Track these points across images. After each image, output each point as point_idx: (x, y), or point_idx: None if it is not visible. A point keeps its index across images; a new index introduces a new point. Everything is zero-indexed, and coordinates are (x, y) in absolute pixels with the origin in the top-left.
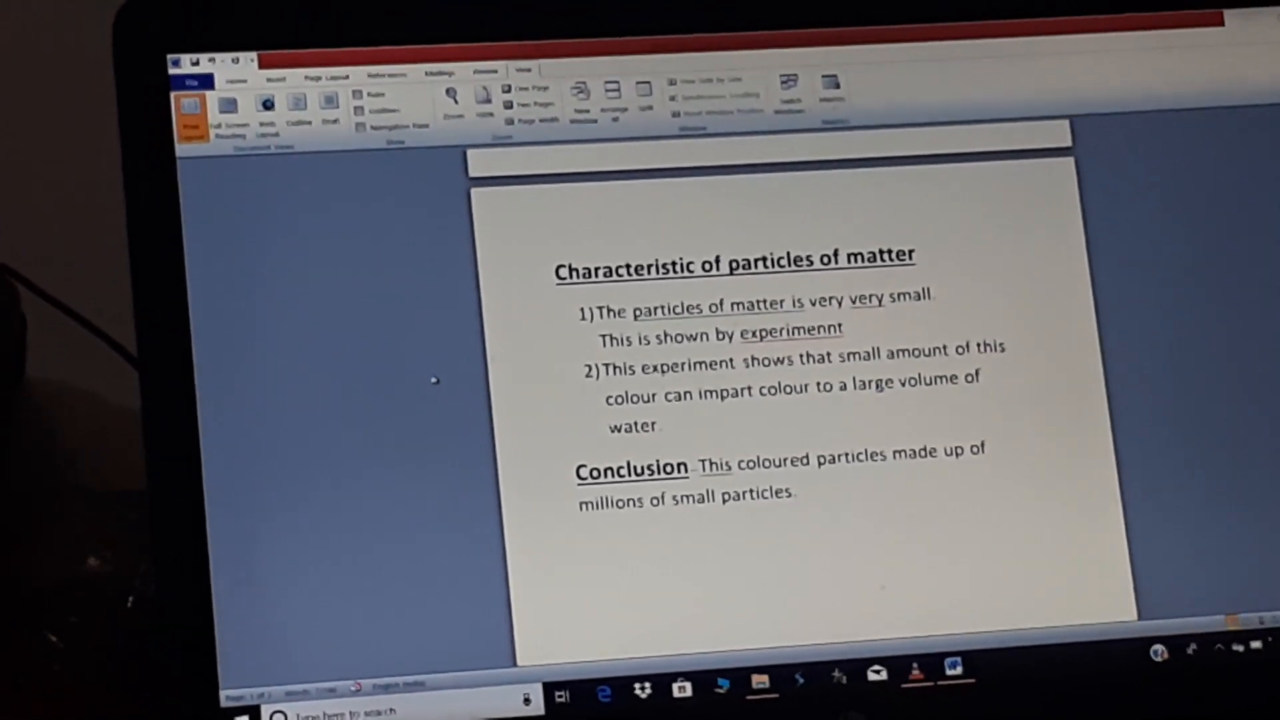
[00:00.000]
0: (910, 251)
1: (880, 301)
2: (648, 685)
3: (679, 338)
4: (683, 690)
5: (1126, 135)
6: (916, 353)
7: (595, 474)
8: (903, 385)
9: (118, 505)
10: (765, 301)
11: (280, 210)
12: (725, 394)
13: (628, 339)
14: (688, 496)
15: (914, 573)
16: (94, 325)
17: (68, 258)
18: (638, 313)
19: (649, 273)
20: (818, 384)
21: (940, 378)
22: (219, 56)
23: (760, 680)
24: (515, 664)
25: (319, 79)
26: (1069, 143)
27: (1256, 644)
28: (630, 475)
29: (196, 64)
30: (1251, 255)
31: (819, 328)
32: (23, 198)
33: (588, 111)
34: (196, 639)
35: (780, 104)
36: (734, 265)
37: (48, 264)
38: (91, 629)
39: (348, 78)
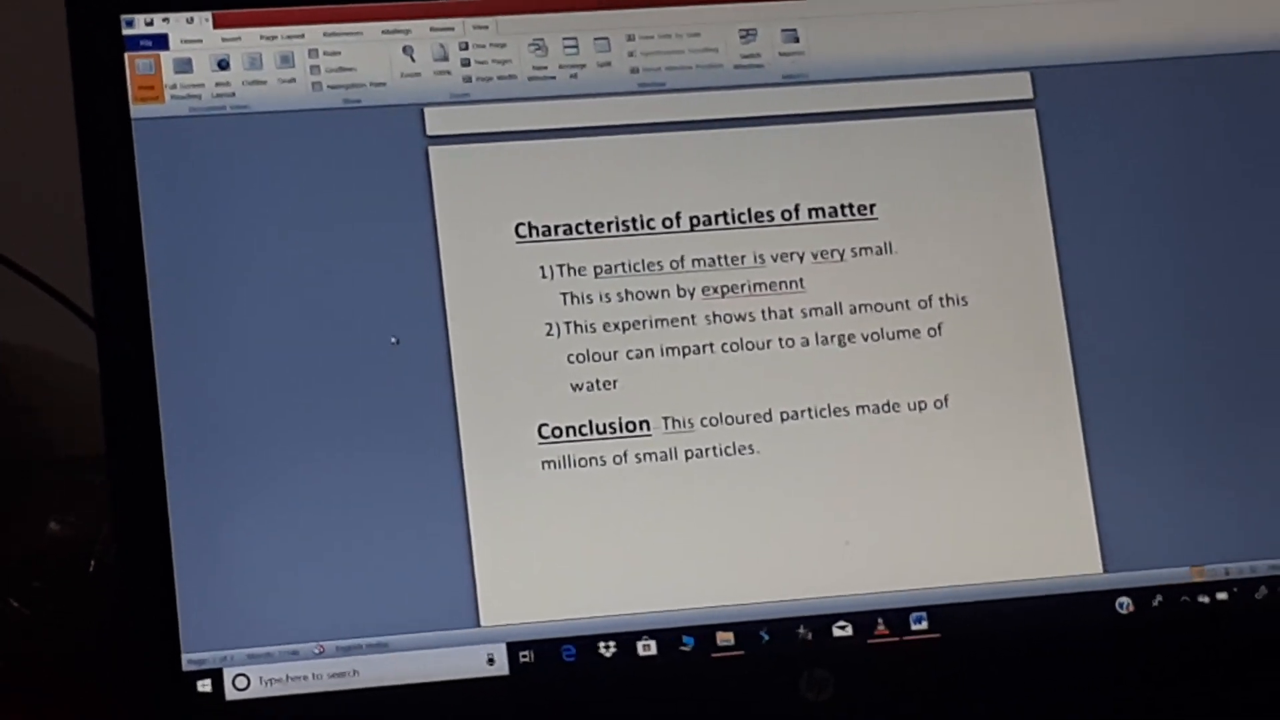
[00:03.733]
0: (871, 206)
1: (842, 256)
2: (612, 644)
3: (640, 295)
4: (647, 649)
5: (1088, 86)
6: (879, 307)
7: (557, 433)
8: (865, 340)
9: (78, 469)
10: (726, 257)
11: (237, 171)
12: (687, 351)
13: (588, 297)
14: (650, 454)
15: (878, 528)
16: (51, 288)
17: (24, 221)
18: (598, 270)
19: (609, 230)
20: (780, 340)
21: (903, 332)
22: (173, 16)
23: (725, 638)
24: (479, 624)
25: (274, 38)
26: (1030, 95)
27: (1222, 595)
28: (592, 434)
29: (150, 24)
30: (1214, 206)
31: (781, 283)
32: None
33: (546, 68)
34: (158, 603)
35: (740, 59)
36: (694, 221)
37: (4, 227)
38: (55, 594)
39: (303, 37)
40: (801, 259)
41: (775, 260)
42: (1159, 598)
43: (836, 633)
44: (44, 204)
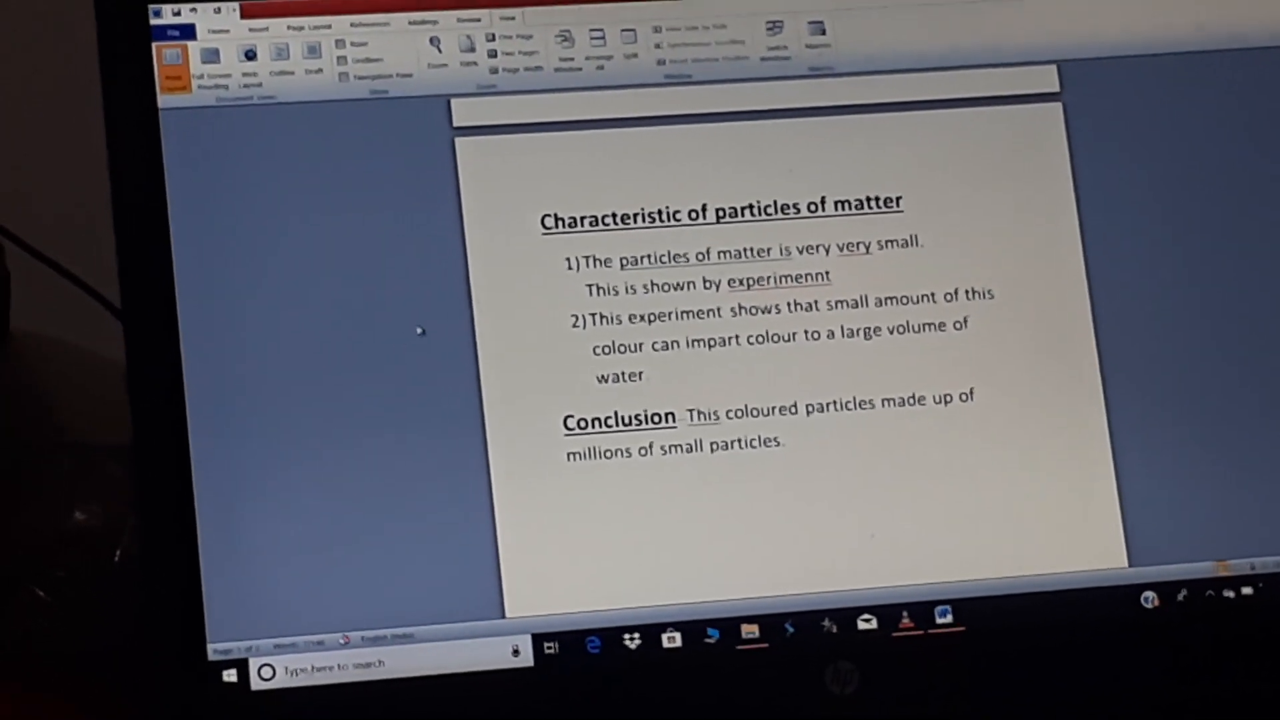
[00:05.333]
0: (898, 198)
1: (868, 249)
2: (637, 636)
3: (666, 287)
4: (672, 640)
5: (1114, 80)
6: (905, 300)
7: (583, 424)
8: (891, 333)
9: (103, 459)
10: (752, 250)
11: (263, 161)
12: (713, 343)
13: (614, 288)
14: (676, 446)
15: (903, 521)
16: (78, 278)
17: (51, 211)
18: (624, 262)
19: (635, 221)
20: (806, 332)
21: (929, 325)
22: (200, 6)
23: (750, 630)
24: (504, 615)
25: (302, 28)
26: (1057, 88)
27: (1247, 590)
28: (618, 425)
29: (178, 14)
30: (1241, 199)
31: (807, 276)
32: (5, 151)
33: (572, 60)
34: (183, 593)
35: (766, 51)
36: (721, 213)
37: (31, 217)
38: (79, 584)
39: (330, 27)
40: (827, 251)
41: (801, 253)
42: (1184, 592)
43: (861, 625)
44: (71, 194)
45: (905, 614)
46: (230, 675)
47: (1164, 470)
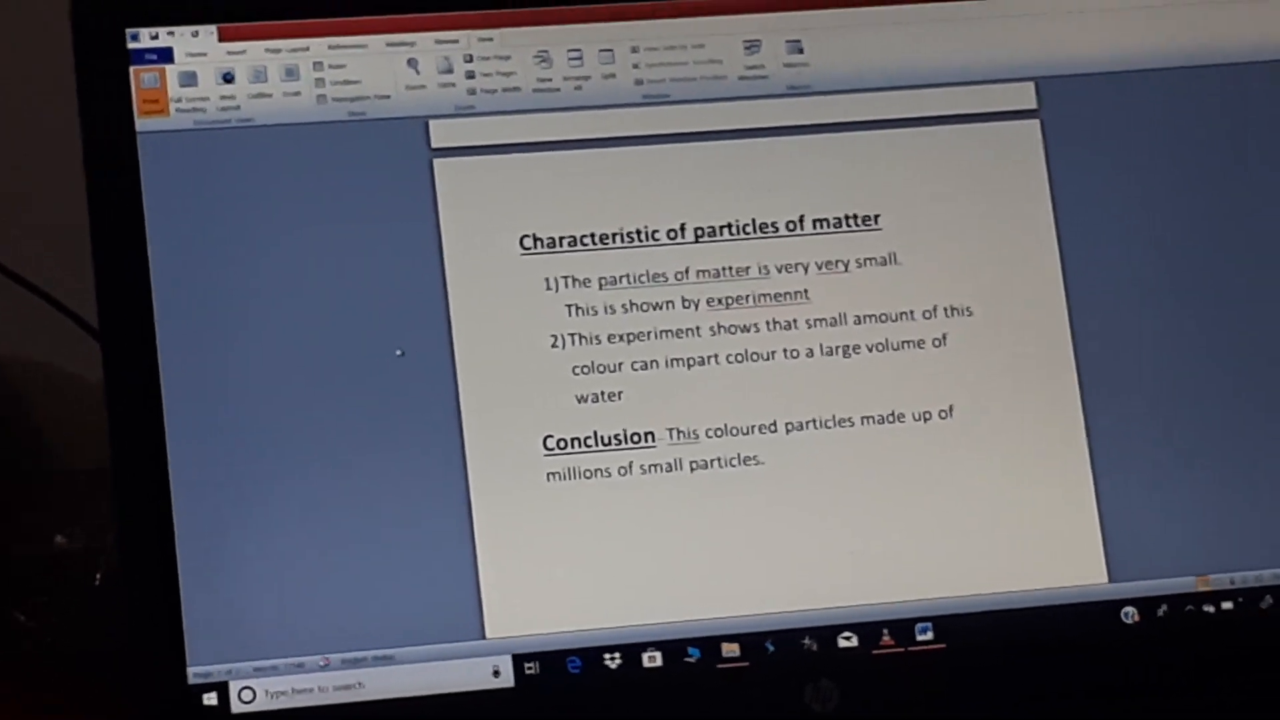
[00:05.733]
0: (876, 216)
1: (847, 267)
2: (618, 655)
3: (645, 306)
4: (653, 660)
5: (1091, 96)
6: (884, 318)
7: (562, 444)
8: (870, 351)
9: (83, 482)
10: (731, 269)
11: (242, 183)
12: (692, 362)
13: (593, 308)
14: (655, 466)
15: (884, 539)
16: (57, 300)
17: (29, 233)
18: (603, 282)
19: (614, 241)
20: (785, 351)
21: (908, 343)
22: (178, 30)
23: (730, 649)
24: (484, 636)
25: (279, 51)
26: (1034, 105)
27: (1227, 604)
28: (597, 445)
29: (155, 38)
30: (1219, 215)
31: (786, 294)
32: None
33: (550, 80)
34: (163, 616)
35: (744, 70)
36: (699, 233)
37: (9, 239)
38: (60, 607)
39: (308, 49)
40: (806, 270)
41: (780, 271)
42: (1164, 607)
43: (842, 643)
44: (48, 217)
45: (886, 631)
46: (210, 699)
47: (1143, 485)
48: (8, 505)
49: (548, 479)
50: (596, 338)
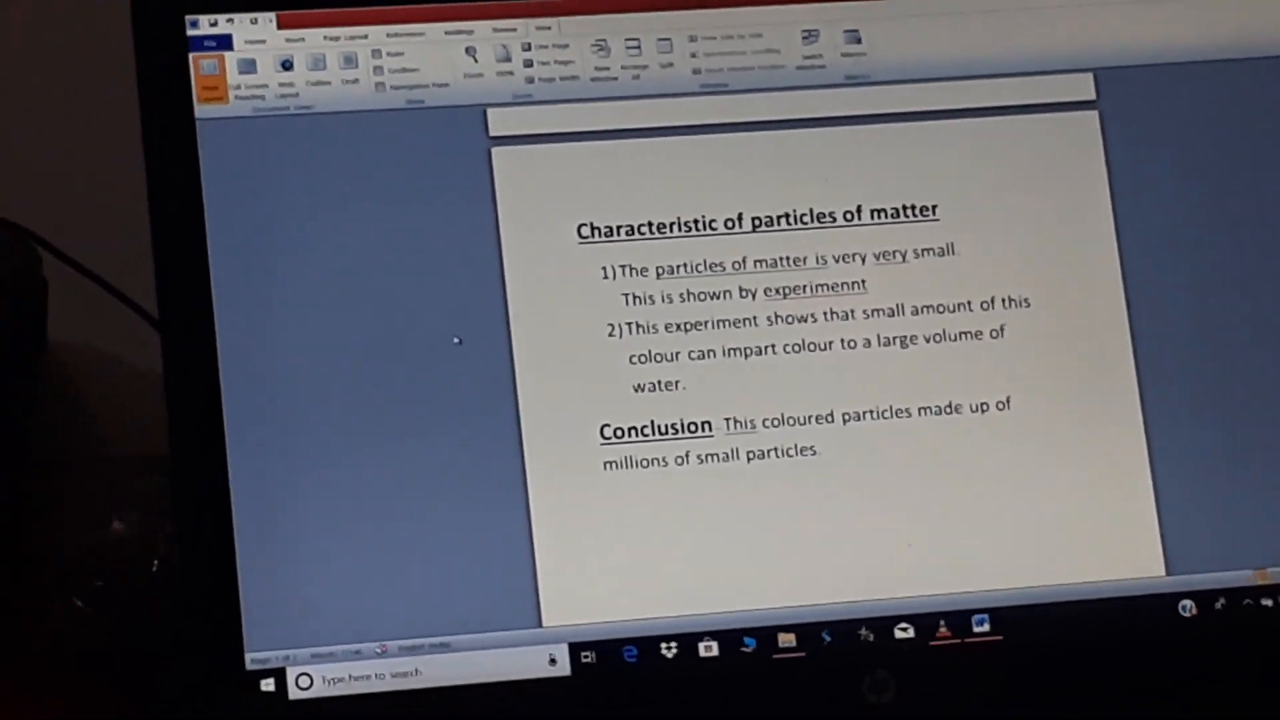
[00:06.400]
0: (934, 207)
1: (904, 258)
2: (674, 645)
3: (702, 296)
4: (709, 650)
5: (1150, 88)
6: (941, 309)
7: (619, 434)
8: (927, 342)
9: (141, 469)
10: (789, 259)
11: (300, 171)
12: (749, 352)
13: (650, 297)
14: (712, 455)
15: (940, 530)
16: (115, 288)
17: (89, 221)
18: (660, 271)
19: (671, 231)
20: (842, 341)
21: (965, 334)
22: (237, 17)
23: (787, 639)
24: (540, 625)
25: (338, 39)
26: (1093, 96)
27: None
28: (654, 435)
29: (215, 25)
30: (1277, 207)
31: (843, 284)
32: (43, 162)
33: (608, 69)
34: (221, 603)
35: (802, 59)
36: (757, 222)
37: (69, 227)
38: (117, 594)
39: (367, 37)
40: (864, 260)
41: (837, 261)
42: (1221, 600)
43: (898, 634)
44: (108, 204)
45: (942, 623)
46: (268, 684)
47: (1201, 478)
48: (66, 491)
49: (605, 468)
50: (654, 327)
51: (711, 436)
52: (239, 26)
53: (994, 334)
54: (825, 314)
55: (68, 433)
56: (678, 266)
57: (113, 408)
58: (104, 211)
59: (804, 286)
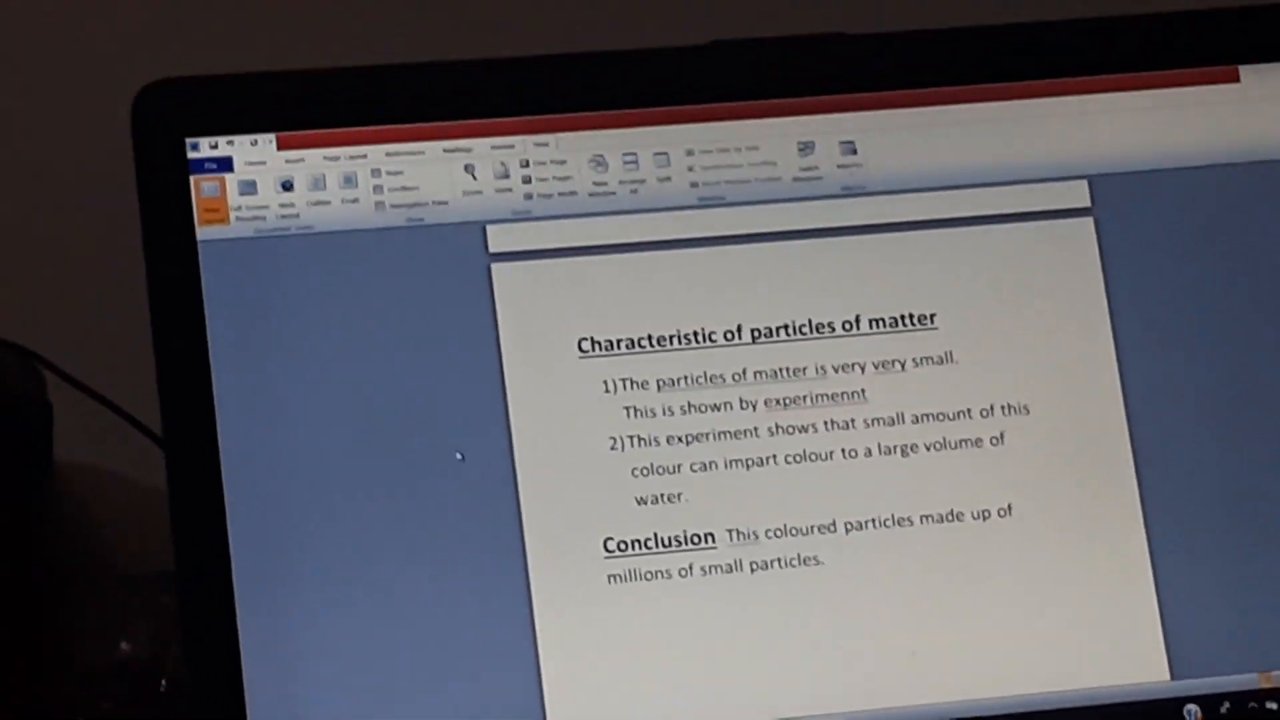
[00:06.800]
0: (932, 315)
1: (903, 366)
2: None
3: (703, 408)
4: None
5: (1145, 194)
6: (941, 417)
7: (623, 546)
8: (928, 450)
9: (148, 587)
10: (788, 369)
11: (302, 290)
12: (751, 463)
13: (652, 410)
14: (716, 566)
15: (945, 638)
16: (120, 408)
17: (92, 341)
18: (661, 384)
19: (671, 343)
20: (843, 450)
21: (965, 441)
22: (238, 139)
23: None
24: None
25: (338, 159)
26: (1088, 203)
27: None
28: (658, 547)
29: (215, 147)
30: (1275, 312)
31: (843, 394)
32: (46, 282)
33: (606, 184)
34: None
35: (798, 171)
36: (756, 334)
37: (73, 348)
38: (125, 714)
39: (366, 157)
40: (863, 370)
41: (837, 371)
42: (1227, 704)
43: None
44: (110, 324)
45: None
46: None
47: (1204, 581)
48: (72, 611)
49: (609, 581)
50: (655, 439)
51: (715, 548)
52: (239, 148)
53: (994, 441)
54: (826, 424)
55: (75, 552)
56: (678, 379)
57: (120, 526)
58: (108, 332)
59: (804, 397)
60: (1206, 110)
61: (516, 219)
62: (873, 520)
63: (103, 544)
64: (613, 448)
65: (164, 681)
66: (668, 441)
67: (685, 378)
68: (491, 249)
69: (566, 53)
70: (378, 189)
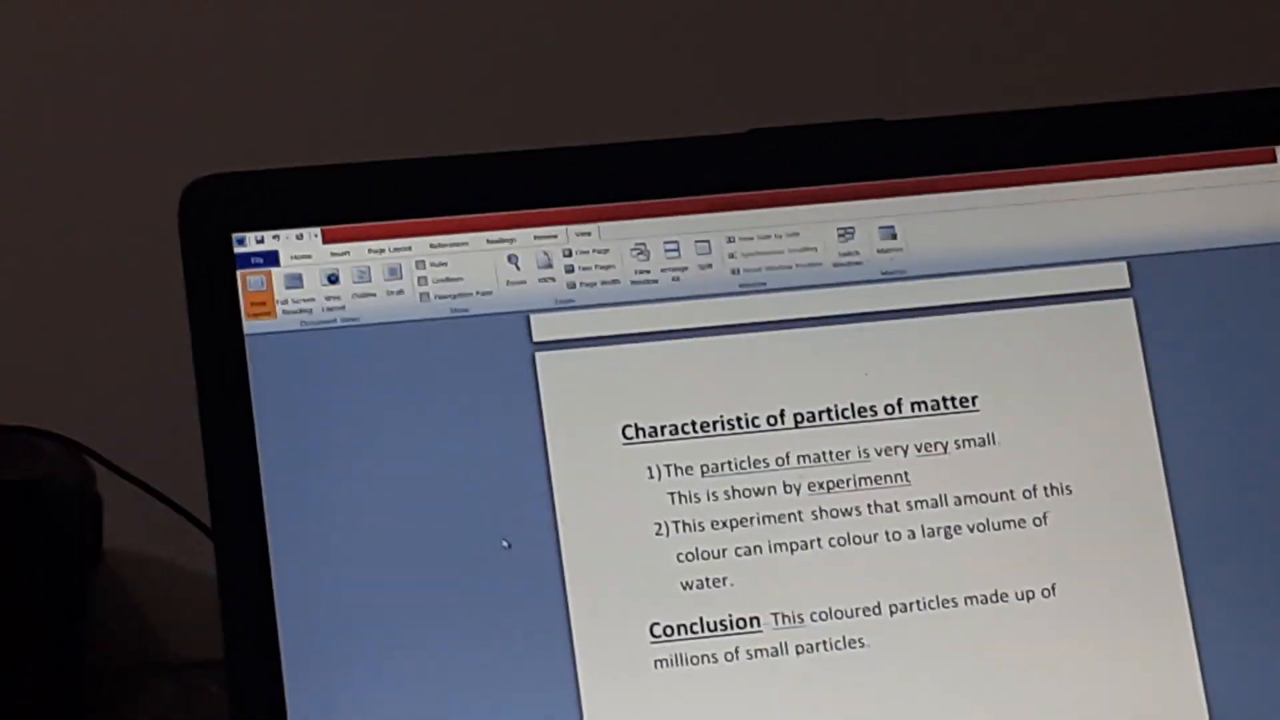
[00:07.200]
0: (974, 398)
1: (945, 449)
2: None
3: (747, 492)
4: None
5: (1184, 274)
6: (984, 498)
7: (669, 631)
8: (971, 531)
9: (196, 676)
10: (831, 453)
11: (348, 381)
12: (795, 546)
13: (696, 495)
14: (761, 650)
15: (989, 718)
16: (169, 499)
17: (142, 434)
18: (705, 469)
19: (715, 429)
20: (886, 533)
21: (1008, 522)
22: (283, 233)
23: None
24: None
25: (382, 251)
26: (1127, 284)
27: None
28: (703, 631)
29: (261, 241)
30: None
31: (885, 477)
32: (96, 376)
33: (648, 272)
34: None
35: (839, 256)
36: (799, 418)
37: (123, 441)
38: None
39: (410, 249)
40: (905, 452)
41: (879, 454)
42: None
43: None
44: (159, 416)
45: None
46: None
47: (1249, 658)
48: (120, 700)
49: (655, 666)
50: (700, 524)
51: (760, 631)
52: (285, 243)
53: (1037, 522)
54: (869, 507)
55: (125, 642)
56: (722, 464)
57: (170, 616)
58: (157, 425)
59: (847, 480)
60: (1244, 191)
61: (560, 308)
62: (917, 602)
63: (153, 633)
64: (658, 533)
65: None
66: (712, 526)
67: (729, 463)
68: (536, 338)
69: (608, 143)
70: (422, 280)
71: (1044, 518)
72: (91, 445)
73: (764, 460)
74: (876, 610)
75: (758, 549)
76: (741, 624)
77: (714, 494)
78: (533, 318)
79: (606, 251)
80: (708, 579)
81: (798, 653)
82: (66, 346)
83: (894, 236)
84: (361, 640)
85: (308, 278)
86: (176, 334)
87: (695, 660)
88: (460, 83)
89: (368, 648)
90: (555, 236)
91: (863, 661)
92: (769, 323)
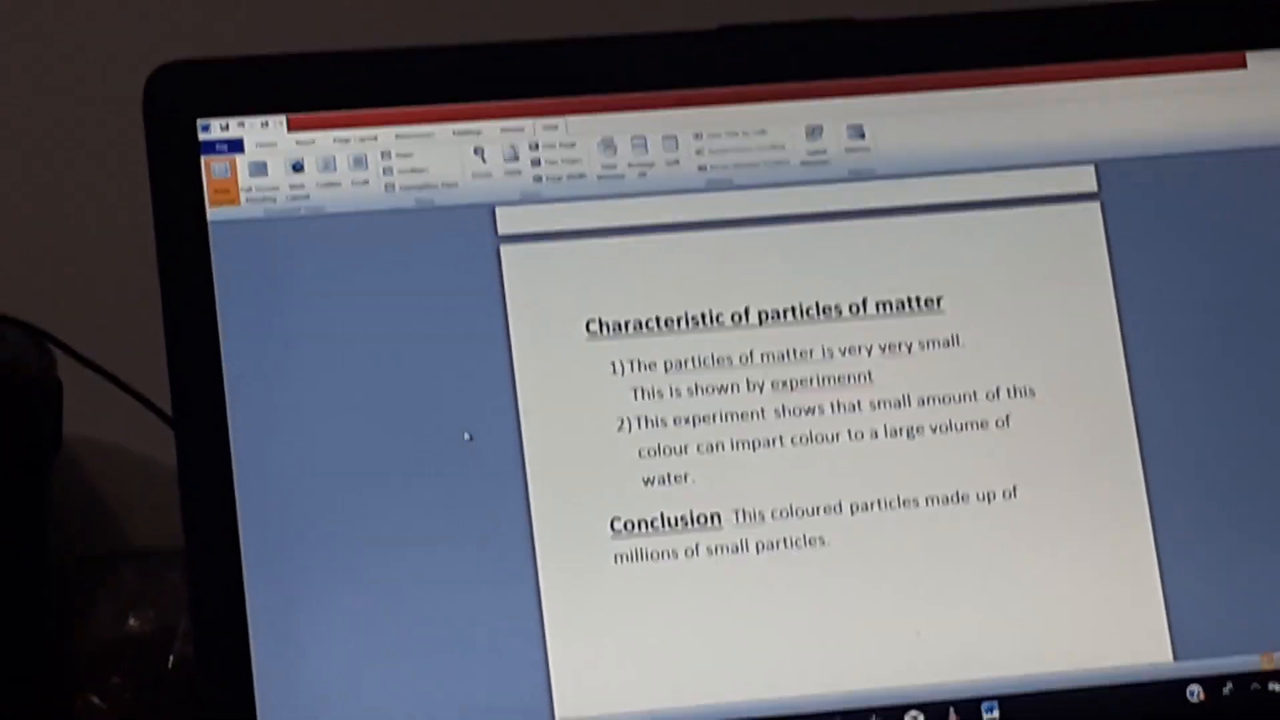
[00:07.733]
0: (938, 299)
1: (909, 349)
2: None
3: (709, 389)
4: None
5: (1152, 179)
6: (946, 399)
7: (629, 527)
8: (933, 432)
9: (157, 565)
10: (795, 351)
11: (311, 271)
12: (757, 444)
13: (659, 392)
14: (721, 547)
15: (949, 618)
16: (130, 387)
17: (103, 321)
18: (668, 365)
19: (679, 325)
20: (849, 432)
21: (971, 424)
22: (248, 120)
23: None
24: (554, 718)
25: (348, 140)
26: (1095, 188)
27: None
28: (664, 527)
29: (226, 128)
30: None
31: (849, 376)
32: (57, 262)
33: (615, 167)
34: (236, 700)
35: (806, 155)
36: (763, 316)
37: (83, 327)
38: (134, 690)
39: (376, 138)
40: (869, 352)
41: (843, 354)
42: (1229, 685)
43: None
44: (121, 303)
45: (952, 711)
46: None
47: (1208, 563)
48: (81, 588)
49: (615, 561)
50: (663, 421)
51: (720, 529)
52: (250, 130)
53: (1000, 424)
54: (832, 406)
55: (84, 530)
56: (685, 361)
57: (129, 504)
58: (118, 311)
59: (810, 379)
60: (1214, 96)
61: (525, 201)
62: (878, 501)
63: (112, 521)
64: (620, 428)
65: (172, 658)
66: (675, 423)
67: (692, 359)
68: (501, 231)
69: (576, 36)
70: (387, 170)
71: (1006, 420)
72: (52, 331)
73: (728, 358)
74: (838, 509)
75: (720, 446)
76: (702, 520)
77: (677, 390)
78: (498, 210)
79: (573, 145)
80: (669, 475)
81: (758, 550)
82: (27, 232)
83: (862, 136)
84: (321, 530)
85: (272, 165)
86: (140, 220)
87: (655, 556)
88: None
89: (327, 537)
90: (522, 129)
91: (823, 560)
92: (735, 220)
